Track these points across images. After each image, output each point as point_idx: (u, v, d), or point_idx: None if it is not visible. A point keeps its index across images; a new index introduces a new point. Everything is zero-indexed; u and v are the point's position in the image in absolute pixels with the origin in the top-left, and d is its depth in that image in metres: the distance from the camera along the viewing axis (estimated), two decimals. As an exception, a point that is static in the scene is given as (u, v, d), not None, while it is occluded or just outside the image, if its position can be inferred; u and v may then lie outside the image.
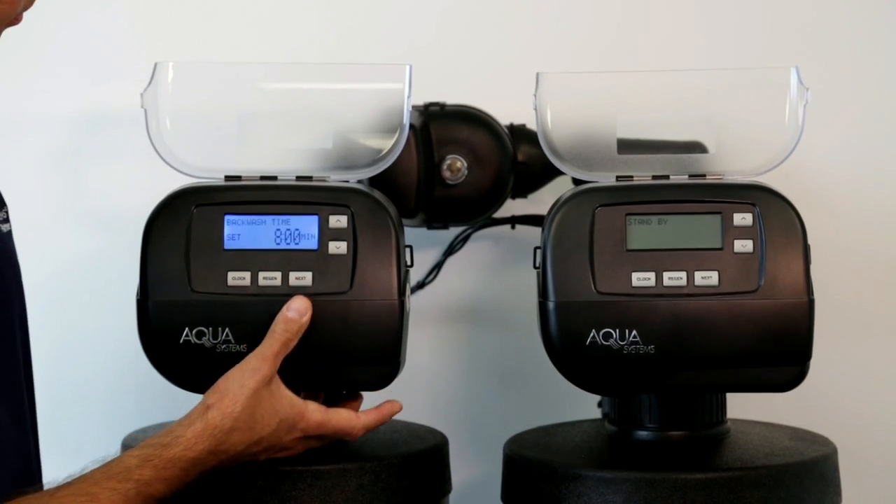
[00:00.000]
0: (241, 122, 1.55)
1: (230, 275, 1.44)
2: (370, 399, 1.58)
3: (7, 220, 1.40)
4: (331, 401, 1.48)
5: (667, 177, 1.52)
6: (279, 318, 1.41)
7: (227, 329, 1.43)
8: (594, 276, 1.44)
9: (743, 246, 1.44)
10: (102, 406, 1.92)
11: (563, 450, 1.55)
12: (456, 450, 1.62)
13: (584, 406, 1.77)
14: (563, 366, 1.46)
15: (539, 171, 1.79)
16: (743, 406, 1.68)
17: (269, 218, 1.46)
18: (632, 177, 1.52)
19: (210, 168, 1.52)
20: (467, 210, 1.78)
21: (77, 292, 1.91)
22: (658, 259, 1.44)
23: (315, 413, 1.41)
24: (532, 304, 1.49)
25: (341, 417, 1.43)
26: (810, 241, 1.45)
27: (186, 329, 1.43)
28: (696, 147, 1.57)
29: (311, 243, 1.45)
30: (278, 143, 1.55)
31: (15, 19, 1.35)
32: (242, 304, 1.43)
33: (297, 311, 1.41)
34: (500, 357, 1.97)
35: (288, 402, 1.39)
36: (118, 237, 1.85)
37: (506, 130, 1.79)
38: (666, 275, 1.44)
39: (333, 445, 1.51)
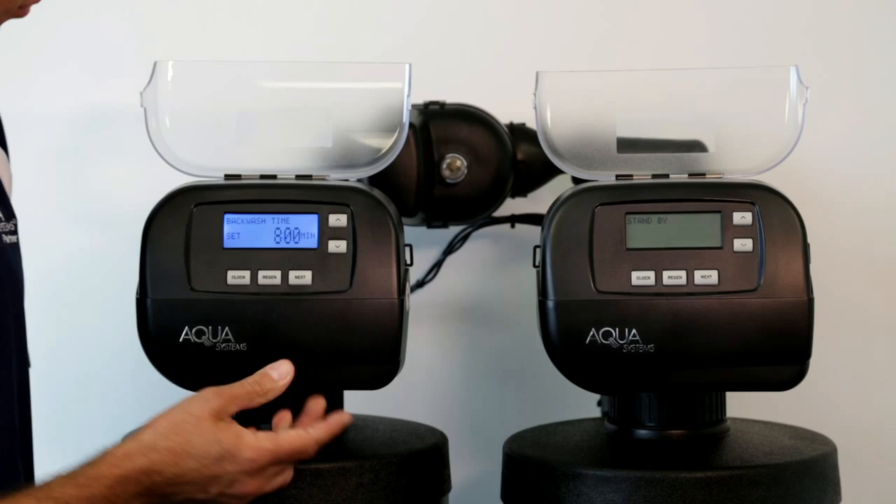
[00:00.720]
0: (240, 120, 1.55)
1: (230, 273, 1.44)
2: (370, 398, 1.58)
3: (14, 232, 1.39)
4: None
5: (666, 176, 1.52)
6: (261, 370, 1.37)
7: (226, 328, 1.43)
8: (594, 275, 1.44)
9: (742, 245, 1.44)
10: (102, 405, 1.92)
11: (563, 448, 1.55)
12: (456, 448, 1.62)
13: (584, 405, 1.77)
14: (562, 364, 1.46)
15: (539, 170, 1.79)
16: (742, 405, 1.68)
17: (268, 217, 1.46)
18: (631, 176, 1.52)
19: (210, 167, 1.52)
20: (467, 209, 1.78)
21: (76, 291, 1.91)
22: (658, 258, 1.44)
23: (264, 441, 1.32)
24: (532, 302, 1.49)
25: (292, 438, 1.34)
26: (810, 239, 1.45)
27: (186, 328, 1.43)
28: (696, 146, 1.57)
29: (311, 242, 1.45)
30: (278, 141, 1.55)
31: (20, 10, 1.34)
32: (242, 302, 1.43)
33: (279, 374, 1.38)
34: (500, 356, 1.97)
35: (234, 433, 1.31)
36: (118, 236, 1.85)
37: (505, 129, 1.79)
38: (665, 274, 1.44)
39: (332, 443, 1.52)
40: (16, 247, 1.40)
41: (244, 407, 1.35)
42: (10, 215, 1.40)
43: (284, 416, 1.40)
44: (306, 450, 1.36)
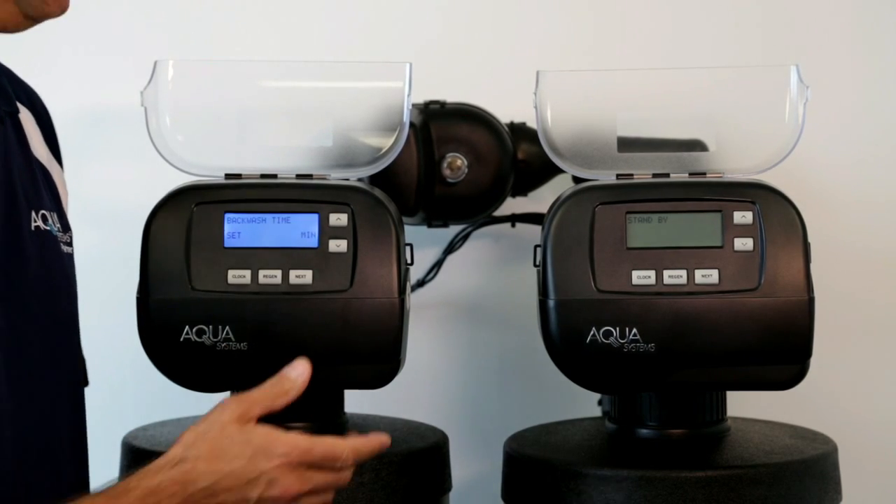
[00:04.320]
0: (241, 120, 1.55)
1: (230, 273, 1.44)
2: (371, 397, 1.58)
3: (70, 244, 1.40)
4: None
5: (667, 175, 1.52)
6: (280, 373, 1.32)
7: (227, 327, 1.43)
8: (594, 275, 1.44)
9: (743, 244, 1.44)
10: (102, 404, 1.91)
11: (564, 448, 1.55)
12: (456, 448, 1.62)
13: (585, 404, 1.77)
14: (563, 364, 1.46)
15: (539, 169, 1.79)
16: (743, 404, 1.68)
17: (269, 216, 1.46)
18: (632, 175, 1.52)
19: (210, 166, 1.52)
20: (467, 208, 1.78)
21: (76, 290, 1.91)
22: (658, 257, 1.44)
23: (296, 438, 1.28)
24: (532, 302, 1.49)
25: (326, 441, 1.30)
26: (810, 238, 1.45)
27: (187, 327, 1.43)
28: (697, 145, 1.57)
29: (312, 241, 1.45)
30: (278, 141, 1.56)
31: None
32: (242, 302, 1.43)
33: (297, 373, 1.32)
34: (501, 355, 1.97)
35: (263, 431, 1.28)
36: (118, 235, 1.85)
37: (506, 128, 1.79)
38: (666, 273, 1.44)
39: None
40: (71, 258, 1.41)
41: (267, 410, 1.30)
42: (67, 227, 1.41)
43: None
44: (340, 455, 1.30)
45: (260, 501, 1.27)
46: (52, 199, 1.40)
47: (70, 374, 1.39)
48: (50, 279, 1.36)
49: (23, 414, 1.31)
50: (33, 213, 1.36)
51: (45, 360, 1.35)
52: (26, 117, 1.43)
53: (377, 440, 1.33)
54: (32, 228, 1.35)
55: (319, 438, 1.29)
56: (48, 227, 1.37)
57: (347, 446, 1.30)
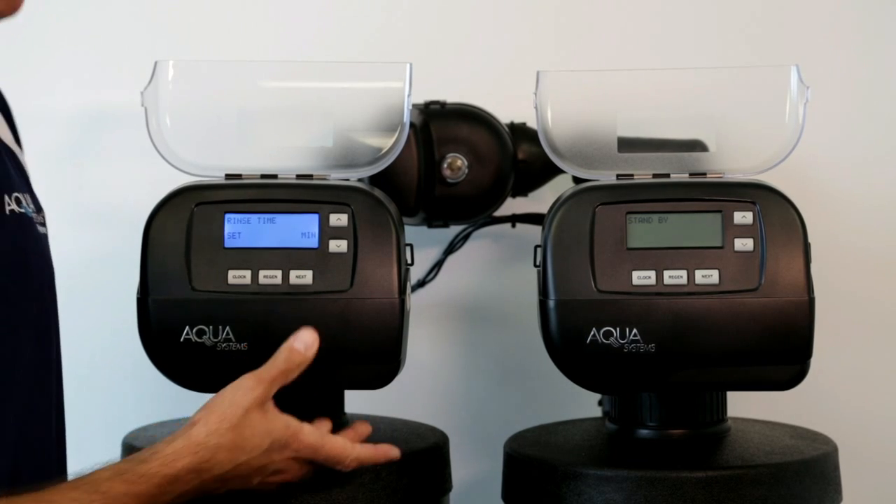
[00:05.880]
0: (241, 120, 1.55)
1: (231, 273, 1.44)
2: (371, 397, 1.58)
3: (44, 224, 1.40)
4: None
5: (667, 175, 1.52)
6: (285, 346, 1.37)
7: (227, 327, 1.43)
8: (594, 275, 1.44)
9: (743, 244, 1.44)
10: (102, 405, 1.92)
11: (564, 448, 1.55)
12: (456, 448, 1.62)
13: (585, 404, 1.77)
14: (563, 364, 1.46)
15: (539, 170, 1.79)
16: (743, 404, 1.68)
17: (269, 216, 1.46)
18: (632, 175, 1.52)
19: (210, 166, 1.52)
20: (468, 208, 1.78)
21: (77, 290, 1.91)
22: (658, 257, 1.44)
23: (310, 436, 1.36)
24: (532, 302, 1.49)
25: (336, 444, 1.37)
26: (811, 239, 1.45)
27: (187, 327, 1.43)
28: (697, 145, 1.57)
29: (312, 242, 1.45)
30: (279, 141, 1.56)
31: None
32: (243, 302, 1.43)
33: (303, 343, 1.38)
34: (501, 355, 1.97)
35: (282, 423, 1.34)
36: (118, 235, 1.85)
37: (506, 129, 1.79)
38: (666, 273, 1.44)
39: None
40: (47, 238, 1.41)
41: (282, 385, 1.35)
42: (40, 208, 1.41)
43: (325, 424, 1.42)
44: (344, 461, 1.38)
45: (260, 484, 1.33)
46: (22, 180, 1.40)
47: (55, 352, 1.40)
48: (29, 262, 1.36)
49: (13, 398, 1.32)
50: (6, 197, 1.35)
51: (30, 343, 1.35)
52: None
53: (384, 455, 1.41)
54: (7, 212, 1.35)
55: (330, 440, 1.36)
56: (23, 210, 1.36)
57: (353, 455, 1.37)
